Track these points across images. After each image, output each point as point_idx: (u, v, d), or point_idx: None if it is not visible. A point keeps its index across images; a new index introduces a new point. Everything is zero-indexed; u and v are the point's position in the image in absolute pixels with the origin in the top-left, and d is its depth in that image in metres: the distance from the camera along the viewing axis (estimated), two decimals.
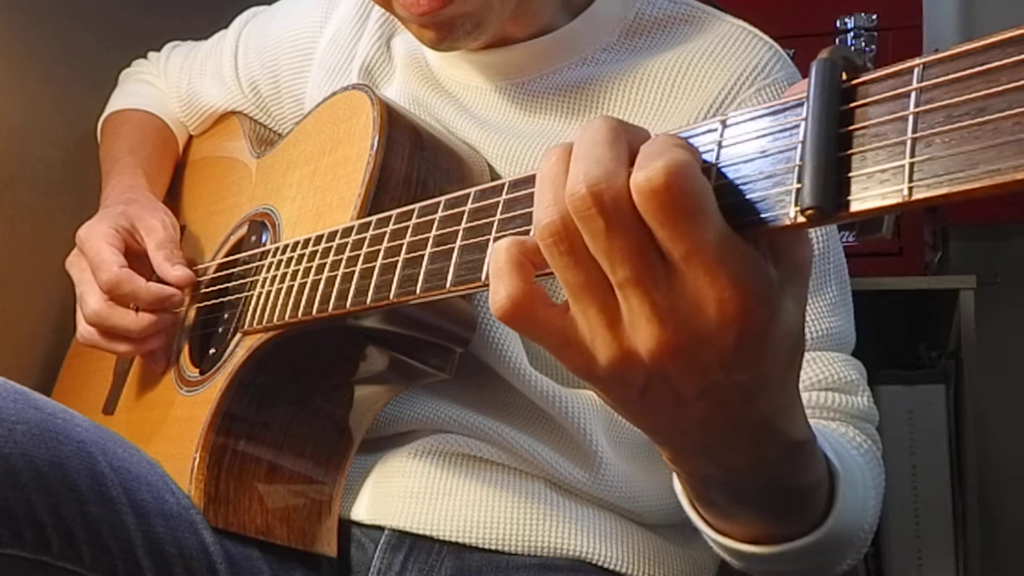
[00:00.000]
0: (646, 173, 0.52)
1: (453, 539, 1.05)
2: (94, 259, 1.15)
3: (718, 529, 0.79)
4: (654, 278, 0.54)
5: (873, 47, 2.02)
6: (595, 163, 0.54)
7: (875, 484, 0.94)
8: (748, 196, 0.53)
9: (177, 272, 1.15)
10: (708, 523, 0.79)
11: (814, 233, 1.05)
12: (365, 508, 1.09)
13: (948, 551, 1.93)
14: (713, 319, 0.54)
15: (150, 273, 1.17)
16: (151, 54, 1.59)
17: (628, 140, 0.56)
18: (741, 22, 1.11)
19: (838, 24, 2.04)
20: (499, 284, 0.59)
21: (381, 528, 1.08)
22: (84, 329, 1.17)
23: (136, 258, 1.17)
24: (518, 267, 0.59)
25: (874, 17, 2.02)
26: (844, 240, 1.12)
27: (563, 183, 0.56)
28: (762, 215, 0.52)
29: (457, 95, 1.16)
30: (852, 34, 2.03)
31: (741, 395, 0.59)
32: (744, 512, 0.75)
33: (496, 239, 0.67)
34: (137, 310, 1.13)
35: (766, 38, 1.10)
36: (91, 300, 1.14)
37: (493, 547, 1.05)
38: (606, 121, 0.57)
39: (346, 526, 1.08)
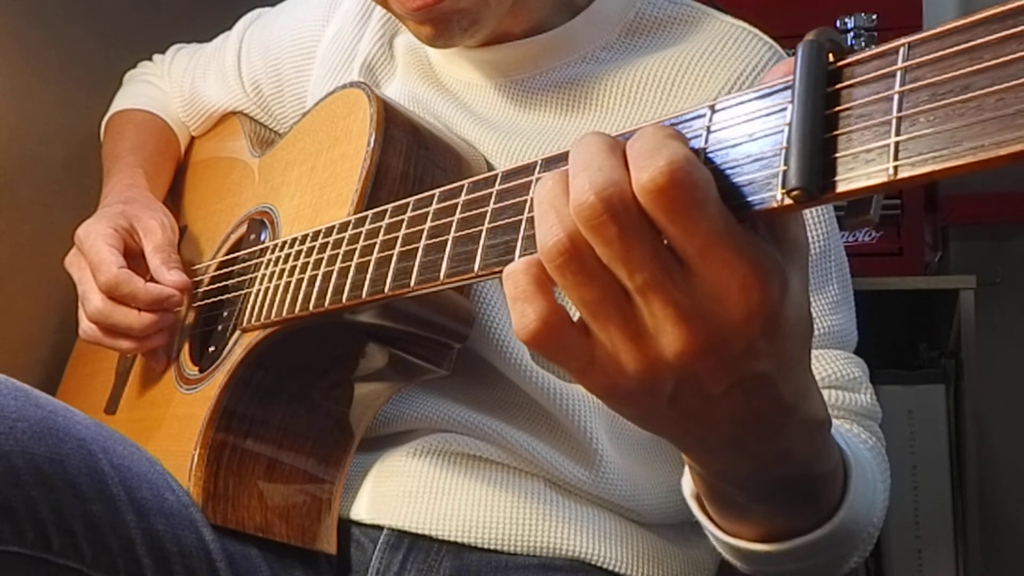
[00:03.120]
0: (649, 173, 0.52)
1: (452, 539, 1.05)
2: (93, 259, 1.15)
3: (728, 531, 0.79)
4: (673, 279, 0.54)
5: (873, 47, 2.02)
6: (598, 171, 0.54)
7: (883, 479, 0.94)
8: (737, 180, 0.53)
9: (173, 276, 1.15)
10: (718, 524, 0.79)
11: (815, 232, 1.06)
12: (364, 507, 1.09)
13: (948, 551, 1.92)
14: (738, 309, 0.54)
15: (148, 272, 1.17)
16: (156, 56, 1.60)
17: (622, 148, 0.56)
18: (741, 22, 1.11)
19: (838, 24, 2.04)
20: (527, 306, 0.58)
21: (380, 527, 1.08)
22: (86, 326, 1.17)
23: (134, 258, 1.18)
24: (542, 286, 0.58)
25: (874, 17, 2.02)
26: (844, 240, 1.12)
27: (564, 202, 0.56)
28: (751, 198, 0.53)
29: (457, 92, 1.17)
30: (852, 34, 2.03)
31: (766, 383, 0.59)
32: (762, 507, 0.75)
33: (488, 230, 0.68)
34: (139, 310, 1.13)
35: (765, 38, 1.10)
36: (93, 299, 1.14)
37: (492, 547, 1.05)
38: (598, 134, 0.57)
39: (345, 525, 1.08)
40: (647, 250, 0.54)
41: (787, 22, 1.98)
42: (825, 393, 0.99)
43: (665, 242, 0.54)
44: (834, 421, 0.98)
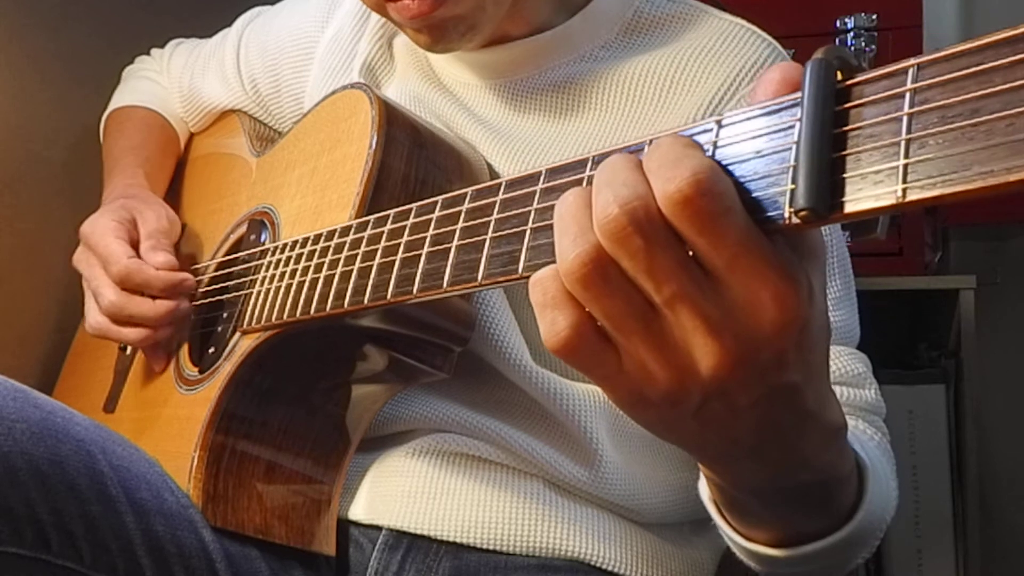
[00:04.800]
0: (675, 184, 0.52)
1: (451, 539, 1.05)
2: (103, 253, 1.15)
3: (745, 535, 0.79)
4: (702, 290, 0.54)
5: (873, 47, 2.02)
6: (622, 185, 0.54)
7: (892, 476, 0.95)
8: (743, 197, 0.53)
9: (159, 258, 1.15)
10: (735, 529, 0.79)
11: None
12: (363, 508, 1.09)
13: (948, 551, 1.93)
14: (770, 320, 0.53)
15: None
16: (154, 50, 1.60)
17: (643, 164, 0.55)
18: (740, 20, 1.11)
19: (838, 24, 2.04)
20: (557, 314, 0.57)
21: (379, 528, 1.08)
22: (95, 320, 1.17)
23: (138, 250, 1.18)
24: (570, 295, 0.57)
25: (874, 17, 2.02)
26: (844, 240, 1.12)
27: (586, 215, 0.55)
28: (758, 216, 0.52)
29: (457, 93, 1.17)
30: (852, 34, 2.03)
31: (793, 393, 0.59)
32: (778, 514, 0.75)
33: (492, 239, 0.67)
34: (154, 299, 1.13)
35: (764, 35, 1.10)
36: (107, 292, 1.14)
37: (491, 547, 1.05)
38: (620, 154, 0.57)
39: (344, 526, 1.08)
40: (673, 262, 0.53)
41: (787, 22, 1.99)
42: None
43: (691, 255, 0.54)
44: (859, 440, 0.98)
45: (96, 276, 1.17)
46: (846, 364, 1.04)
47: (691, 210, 0.52)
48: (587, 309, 0.56)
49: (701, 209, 0.51)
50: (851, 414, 1.01)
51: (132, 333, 1.15)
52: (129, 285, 1.13)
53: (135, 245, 1.18)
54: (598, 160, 0.61)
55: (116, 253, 1.14)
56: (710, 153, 0.56)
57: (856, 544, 0.79)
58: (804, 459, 0.66)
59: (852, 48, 2.01)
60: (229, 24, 1.49)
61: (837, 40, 2.03)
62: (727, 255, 0.52)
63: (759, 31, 1.10)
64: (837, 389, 1.00)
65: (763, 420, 0.59)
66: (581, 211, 0.56)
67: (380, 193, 0.96)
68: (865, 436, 0.99)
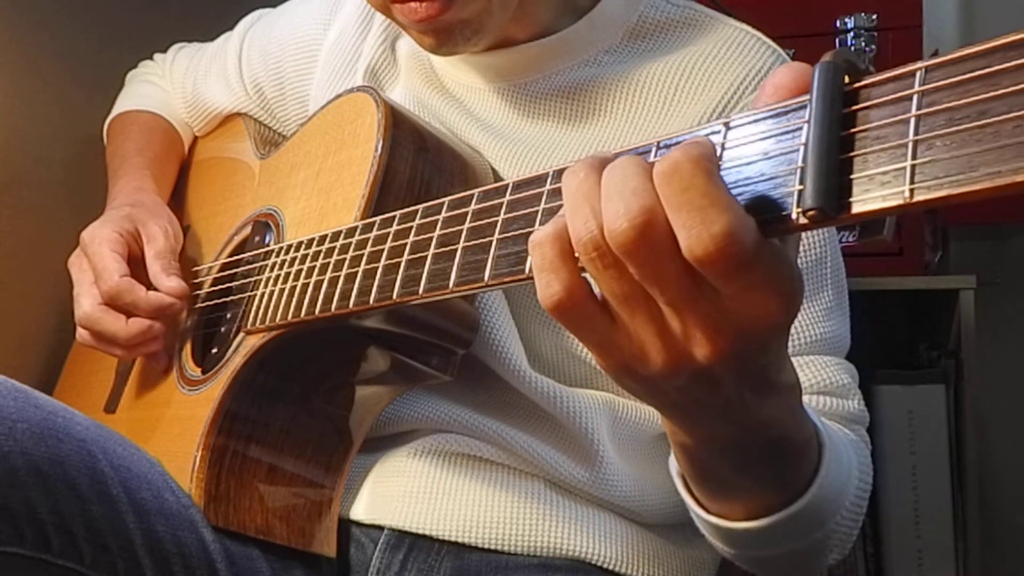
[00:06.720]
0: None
1: (452, 539, 1.05)
2: (97, 266, 1.15)
3: (712, 510, 0.81)
4: (704, 294, 0.55)
5: (873, 47, 2.01)
6: (632, 194, 0.54)
7: (860, 469, 0.95)
8: (751, 198, 0.53)
9: (171, 283, 1.14)
10: (704, 506, 0.81)
11: (812, 238, 1.05)
12: (364, 508, 1.09)
13: (948, 551, 1.92)
14: (771, 324, 0.56)
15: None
16: (157, 55, 1.59)
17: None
18: (744, 26, 1.10)
19: (838, 24, 2.03)
20: (552, 276, 0.59)
21: (380, 528, 1.08)
22: (80, 330, 1.17)
23: (138, 263, 1.18)
24: (568, 259, 0.59)
25: (874, 17, 2.01)
26: (844, 240, 1.12)
27: (597, 196, 0.56)
28: (765, 216, 0.53)
29: (461, 97, 1.16)
30: (852, 34, 2.02)
31: (764, 370, 0.62)
32: (743, 478, 0.77)
33: (499, 240, 0.68)
34: (128, 318, 1.12)
35: (770, 42, 1.09)
36: (84, 303, 1.14)
37: (492, 547, 1.05)
38: (631, 158, 0.57)
39: (345, 525, 1.09)
40: (679, 271, 0.55)
41: (787, 22, 1.99)
42: (816, 399, 1.01)
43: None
44: (824, 423, 0.99)
45: (83, 282, 1.17)
46: (833, 375, 1.04)
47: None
48: (597, 284, 0.58)
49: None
50: (834, 422, 1.01)
51: (110, 349, 1.15)
52: (117, 303, 1.12)
53: (133, 258, 1.18)
54: None
55: (109, 269, 1.13)
56: (718, 155, 0.56)
57: (814, 519, 0.81)
58: (766, 421, 0.68)
59: (852, 48, 2.01)
60: (230, 24, 1.48)
61: (837, 40, 2.02)
62: (734, 288, 0.54)
63: (764, 38, 1.10)
64: (822, 399, 1.02)
65: (735, 392, 0.62)
66: (592, 189, 0.57)
67: (385, 196, 0.96)
68: (842, 432, 0.99)
